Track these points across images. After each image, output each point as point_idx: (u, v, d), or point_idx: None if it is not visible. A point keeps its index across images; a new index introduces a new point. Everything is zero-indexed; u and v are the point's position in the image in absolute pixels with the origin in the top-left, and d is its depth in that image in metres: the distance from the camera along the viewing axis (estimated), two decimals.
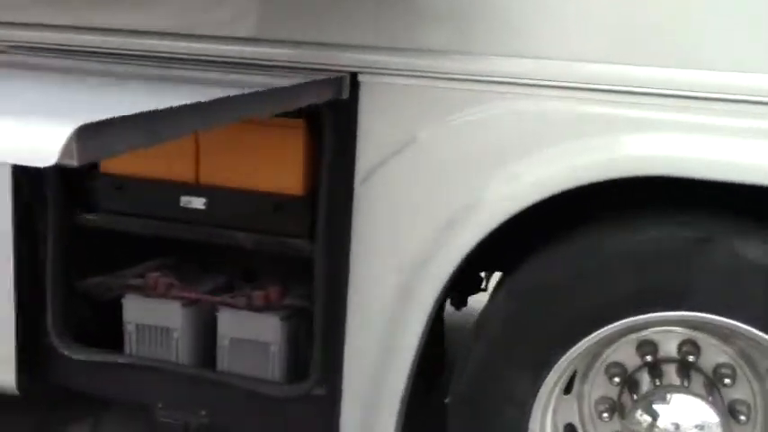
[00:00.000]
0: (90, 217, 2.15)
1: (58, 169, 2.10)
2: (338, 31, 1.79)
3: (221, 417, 2.09)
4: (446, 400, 1.86)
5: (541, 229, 1.78)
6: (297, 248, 1.99)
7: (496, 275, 2.30)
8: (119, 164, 2.11)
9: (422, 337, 1.82)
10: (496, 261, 2.06)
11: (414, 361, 1.83)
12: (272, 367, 2.07)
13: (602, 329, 1.72)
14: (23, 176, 2.07)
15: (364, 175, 1.82)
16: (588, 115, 1.66)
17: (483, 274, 2.48)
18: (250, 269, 2.34)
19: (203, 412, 2.08)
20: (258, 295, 2.10)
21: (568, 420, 1.88)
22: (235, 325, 2.10)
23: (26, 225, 2.13)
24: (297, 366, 2.13)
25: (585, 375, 1.87)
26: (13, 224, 2.10)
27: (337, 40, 1.79)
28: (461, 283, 2.13)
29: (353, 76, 1.79)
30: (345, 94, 1.79)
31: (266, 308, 2.10)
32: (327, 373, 1.95)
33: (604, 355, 1.84)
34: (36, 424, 2.68)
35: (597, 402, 1.87)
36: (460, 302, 2.48)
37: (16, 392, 2.20)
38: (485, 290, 2.44)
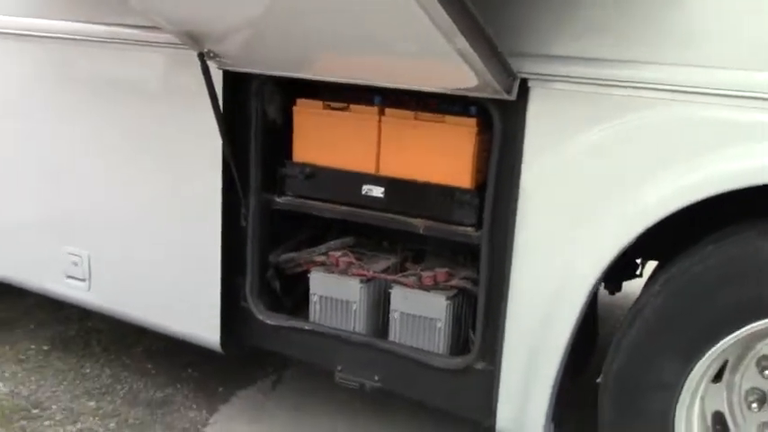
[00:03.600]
0: (283, 200, 2.47)
1: (259, 159, 2.44)
2: (510, 40, 1.97)
3: (392, 382, 2.36)
4: (598, 380, 2.02)
5: (697, 223, 1.89)
6: (464, 235, 2.20)
7: (651, 264, 2.42)
8: (309, 155, 2.42)
9: (578, 319, 1.98)
10: (653, 251, 2.19)
11: (569, 340, 2.00)
12: (438, 341, 2.30)
13: (753, 324, 1.81)
14: (231, 163, 2.41)
15: (530, 172, 2.00)
16: (750, 122, 1.75)
17: (639, 261, 2.60)
18: (419, 251, 2.59)
19: (376, 377, 2.36)
20: (427, 276, 2.34)
21: (717, 408, 1.98)
22: (405, 301, 2.35)
23: (232, 206, 2.48)
24: (459, 341, 2.35)
25: (736, 366, 1.95)
26: (222, 206, 2.46)
27: (509, 47, 1.96)
28: (617, 269, 2.25)
29: (523, 81, 1.97)
30: (514, 97, 1.98)
31: (434, 287, 2.33)
32: (488, 349, 2.16)
33: (757, 348, 1.92)
34: (229, 377, 3.09)
35: (747, 393, 1.96)
36: (615, 287, 2.60)
37: (219, 350, 2.57)
38: (640, 276, 2.55)
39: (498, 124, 2.05)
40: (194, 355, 3.07)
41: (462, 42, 1.68)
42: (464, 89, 2.01)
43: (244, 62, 2.25)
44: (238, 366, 3.11)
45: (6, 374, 3.09)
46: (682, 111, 1.79)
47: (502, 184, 2.07)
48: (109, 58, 2.54)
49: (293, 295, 2.61)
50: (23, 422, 2.76)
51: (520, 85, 1.96)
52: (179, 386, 3.05)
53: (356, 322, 2.41)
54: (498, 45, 1.84)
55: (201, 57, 2.19)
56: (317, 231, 2.66)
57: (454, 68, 1.86)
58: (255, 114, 2.42)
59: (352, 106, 2.35)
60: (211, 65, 2.24)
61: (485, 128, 2.16)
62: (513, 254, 2.06)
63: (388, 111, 2.29)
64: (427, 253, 2.58)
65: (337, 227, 2.64)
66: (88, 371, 3.17)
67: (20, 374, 3.11)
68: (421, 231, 2.28)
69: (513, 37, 1.95)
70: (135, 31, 2.43)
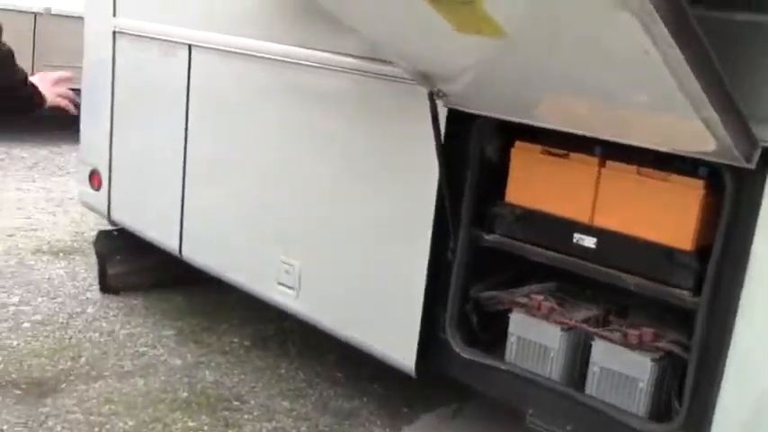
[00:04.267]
0: (492, 238, 2.50)
1: (472, 195, 2.50)
2: (755, 106, 1.87)
3: None
4: None
5: None
6: (679, 298, 2.13)
7: None
8: (522, 196, 2.44)
9: None
10: None
11: None
12: (638, 402, 2.24)
13: None
14: (446, 197, 2.48)
15: (764, 241, 1.90)
16: None
17: None
18: (621, 304, 2.53)
19: (569, 427, 2.33)
20: (633, 333, 2.28)
21: None
22: (608, 356, 2.30)
23: (441, 238, 2.55)
24: (660, 406, 2.28)
25: None
26: (432, 236, 2.54)
27: (753, 113, 1.87)
28: None
29: (766, 150, 1.87)
30: (754, 166, 1.89)
31: (639, 346, 2.27)
32: (694, 421, 2.08)
33: None
34: (413, 397, 3.17)
35: None
36: None
37: (413, 374, 2.65)
38: None
39: (732, 190, 1.97)
40: (380, 370, 3.18)
41: (709, 112, 1.64)
42: (698, 152, 1.95)
43: (469, 102, 2.31)
44: (422, 387, 3.19)
45: (212, 364, 3.37)
46: None
47: (730, 250, 1.99)
48: (340, 85, 2.70)
49: (488, 331, 2.64)
50: (226, 413, 2.99)
51: (761, 154, 1.87)
52: (365, 399, 3.17)
53: (553, 369, 2.40)
54: (744, 112, 1.77)
55: (431, 95, 2.27)
56: (519, 271, 2.67)
57: (692, 132, 1.81)
58: (473, 152, 2.47)
59: (571, 154, 2.34)
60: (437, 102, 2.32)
61: (713, 189, 2.08)
62: (736, 323, 1.96)
63: (609, 163, 2.27)
64: (630, 307, 2.51)
65: (540, 269, 2.63)
66: (283, 371, 3.38)
67: (224, 366, 3.37)
68: (632, 288, 2.23)
69: (757, 103, 1.87)
70: (368, 63, 2.57)
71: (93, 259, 4.42)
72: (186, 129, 3.25)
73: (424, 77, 2.19)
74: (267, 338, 3.67)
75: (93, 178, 3.70)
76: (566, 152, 2.35)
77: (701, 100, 1.58)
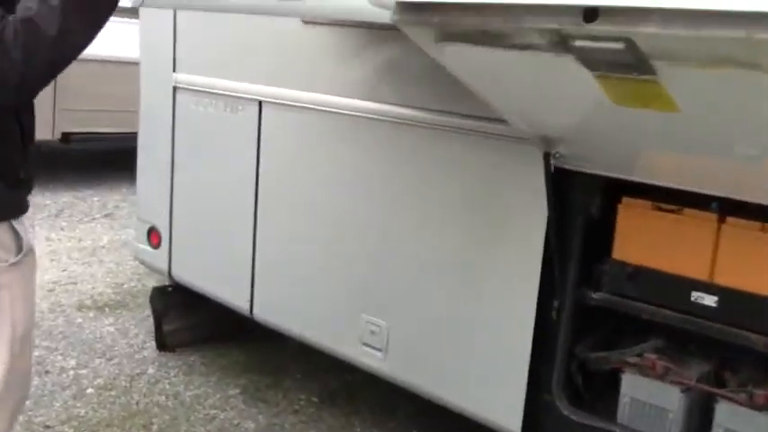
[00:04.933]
0: (599, 296, 2.44)
1: (578, 253, 2.44)
2: None
3: None
4: None
5: None
6: None
7: None
8: (631, 253, 2.38)
9: None
10: None
11: None
12: None
13: None
14: (555, 255, 2.42)
15: None
16: None
17: None
18: (729, 359, 2.47)
19: None
20: (760, 394, 2.22)
21: None
22: (733, 418, 2.23)
23: (546, 295, 2.48)
24: None
25: None
26: (538, 294, 2.47)
27: None
28: None
29: None
30: None
31: (766, 407, 2.21)
32: None
33: None
34: None
35: None
36: None
37: None
38: None
39: None
40: (455, 424, 3.08)
41: None
42: None
43: (580, 161, 2.25)
44: None
45: (286, 425, 3.27)
46: None
47: None
48: (437, 142, 2.64)
49: (594, 392, 2.57)
50: None
51: None
52: None
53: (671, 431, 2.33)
54: None
55: (547, 157, 2.22)
56: (616, 329, 2.60)
57: None
58: (579, 209, 2.42)
59: (685, 210, 2.29)
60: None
61: None
62: None
63: (729, 219, 2.22)
64: (741, 362, 2.45)
65: (641, 326, 2.57)
66: (358, 430, 3.29)
67: (298, 426, 3.27)
68: (760, 349, 2.16)
69: None
70: (476, 122, 2.51)
71: (140, 314, 4.34)
72: (257, 184, 3.17)
73: (545, 141, 2.14)
74: (334, 394, 3.58)
75: (152, 236, 3.61)
76: (679, 208, 2.30)
77: None
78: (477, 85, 1.88)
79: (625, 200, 2.40)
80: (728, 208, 2.22)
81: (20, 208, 1.98)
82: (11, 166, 1.93)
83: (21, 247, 1.95)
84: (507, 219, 2.53)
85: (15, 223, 1.95)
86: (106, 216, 6.38)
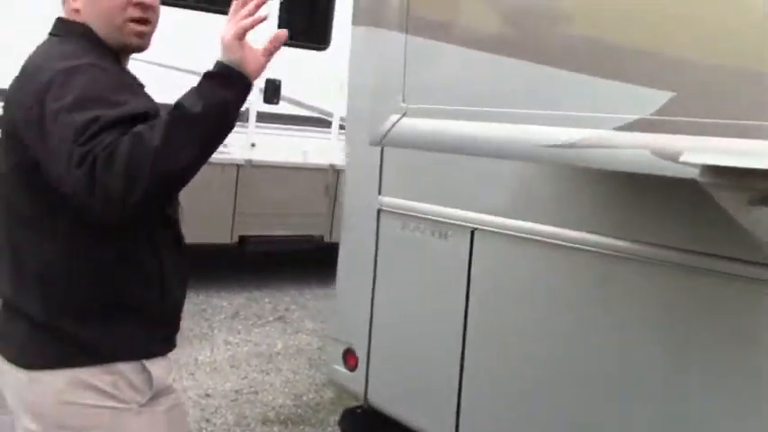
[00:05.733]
0: None
1: None
2: None
3: None
4: None
5: None
6: None
7: None
8: None
9: None
10: None
11: None
12: None
13: None
14: None
15: None
16: None
17: None
18: None
19: None
20: None
21: None
22: None
23: None
24: None
25: None
26: None
27: None
28: None
29: None
30: None
31: None
32: None
33: None
34: None
35: None
36: None
37: None
38: None
39: None
40: None
41: None
42: None
43: None
44: None
45: None
46: None
47: None
48: (678, 282, 2.43)
49: None
50: None
51: None
52: None
53: None
54: None
55: None
56: None
57: None
58: None
59: None
60: None
61: None
62: None
63: None
64: None
65: None
66: None
67: None
68: None
69: None
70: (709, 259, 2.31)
71: (323, 430, 4.27)
72: (466, 315, 3.05)
73: None
74: None
75: (349, 358, 3.55)
76: None
77: None
78: None
79: None
80: None
81: (153, 347, 1.90)
82: (145, 302, 1.86)
83: (151, 388, 1.86)
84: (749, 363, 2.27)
85: (148, 363, 1.86)
86: (278, 319, 6.47)
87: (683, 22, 1.73)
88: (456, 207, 3.10)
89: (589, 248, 2.66)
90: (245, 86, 1.72)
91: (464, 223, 3.06)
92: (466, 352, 3.08)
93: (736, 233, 1.95)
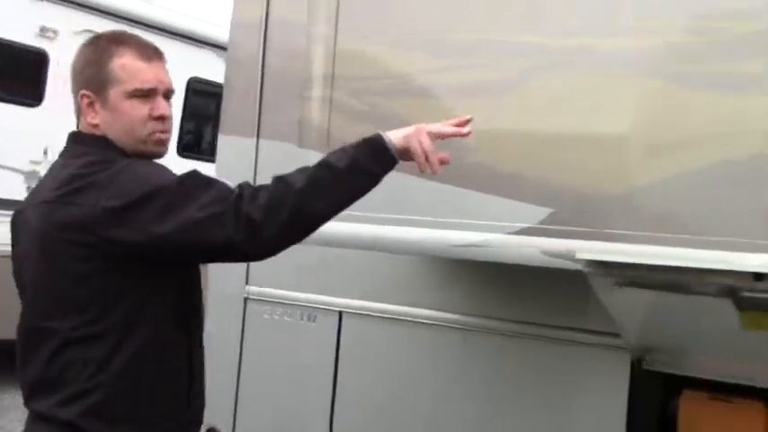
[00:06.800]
0: None
1: None
2: None
3: None
4: None
5: None
6: None
7: None
8: None
9: None
10: None
11: None
12: None
13: None
14: None
15: None
16: None
17: None
18: None
19: None
20: None
21: None
22: None
23: None
24: None
25: None
26: None
27: None
28: None
29: None
30: None
31: None
32: None
33: None
34: None
35: None
36: None
37: None
38: None
39: None
40: None
41: None
42: None
43: (666, 365, 2.81)
44: None
45: None
46: None
47: None
48: (521, 351, 3.13)
49: None
50: None
51: None
52: None
53: None
54: None
55: (638, 362, 2.77)
56: None
57: None
58: (649, 405, 2.94)
59: (736, 399, 2.87)
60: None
61: None
62: None
63: None
64: None
65: None
66: None
67: None
68: None
69: None
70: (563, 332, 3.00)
71: None
72: (333, 396, 3.46)
73: (644, 350, 2.71)
74: None
75: None
76: (728, 398, 2.87)
77: None
78: (623, 315, 2.45)
79: (685, 392, 2.94)
80: None
81: None
82: (174, 406, 2.11)
83: None
84: (584, 422, 2.99)
85: None
86: None
87: (562, 158, 2.46)
88: (323, 294, 3.57)
89: (444, 324, 3.29)
90: (390, 169, 2.03)
91: (331, 307, 3.54)
92: (334, 427, 3.50)
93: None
